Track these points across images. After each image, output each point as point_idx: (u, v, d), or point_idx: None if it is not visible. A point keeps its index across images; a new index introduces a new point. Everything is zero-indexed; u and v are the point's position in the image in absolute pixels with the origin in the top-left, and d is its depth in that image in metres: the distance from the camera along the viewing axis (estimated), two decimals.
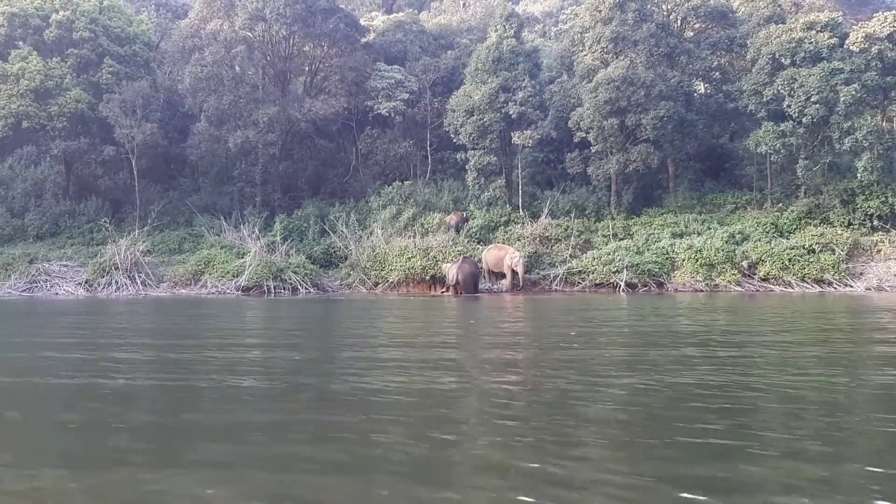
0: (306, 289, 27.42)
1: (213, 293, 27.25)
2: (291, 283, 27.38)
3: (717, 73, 31.92)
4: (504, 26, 30.18)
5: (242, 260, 28.24)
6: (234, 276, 27.81)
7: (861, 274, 24.70)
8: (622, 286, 24.96)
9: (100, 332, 13.16)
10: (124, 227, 32.24)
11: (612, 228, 28.32)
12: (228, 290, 27.33)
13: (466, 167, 30.75)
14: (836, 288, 24.07)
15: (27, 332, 13.70)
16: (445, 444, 4.53)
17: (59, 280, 28.81)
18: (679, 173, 31.27)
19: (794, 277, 24.60)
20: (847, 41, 26.54)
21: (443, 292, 26.15)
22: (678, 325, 13.26)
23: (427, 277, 26.91)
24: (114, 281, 28.14)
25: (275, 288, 27.10)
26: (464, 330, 13.11)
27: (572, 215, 29.20)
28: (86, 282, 28.53)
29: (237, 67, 33.16)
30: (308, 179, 36.18)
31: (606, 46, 29.51)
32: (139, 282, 28.25)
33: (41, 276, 28.87)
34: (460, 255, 26.99)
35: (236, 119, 32.31)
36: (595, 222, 29.34)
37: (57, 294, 28.06)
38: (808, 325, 12.91)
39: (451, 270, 25.18)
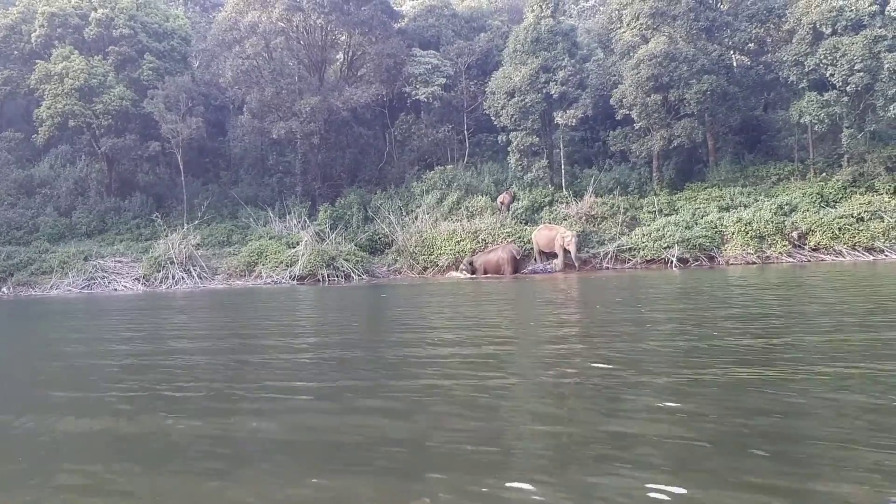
0: (359, 276, 27.87)
1: (269, 283, 27.72)
2: (344, 271, 27.85)
3: (752, 45, 31.90)
4: (541, 6, 30.27)
5: (294, 250, 28.67)
6: (287, 266, 28.26)
7: None
8: (674, 261, 25.27)
9: (239, 324, 13.49)
10: (169, 221, 32.74)
11: (657, 204, 28.57)
12: (283, 280, 27.80)
13: (508, 149, 31.04)
14: (886, 255, 24.26)
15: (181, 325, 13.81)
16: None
17: (115, 276, 29.31)
18: (719, 147, 31.42)
19: (845, 246, 24.82)
20: (888, 7, 26.46)
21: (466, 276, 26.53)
22: (803, 302, 12.82)
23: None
24: (170, 275, 28.63)
25: (328, 276, 27.59)
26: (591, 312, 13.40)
27: (615, 193, 29.46)
28: (143, 277, 29.04)
29: (275, 59, 33.45)
30: (346, 167, 36.56)
31: (645, 22, 29.51)
32: (195, 275, 28.75)
33: (98, 272, 29.33)
34: (507, 237, 27.61)
35: (278, 110, 32.62)
36: (639, 199, 29.57)
37: (115, 290, 28.51)
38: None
39: (504, 256, 25.84)
